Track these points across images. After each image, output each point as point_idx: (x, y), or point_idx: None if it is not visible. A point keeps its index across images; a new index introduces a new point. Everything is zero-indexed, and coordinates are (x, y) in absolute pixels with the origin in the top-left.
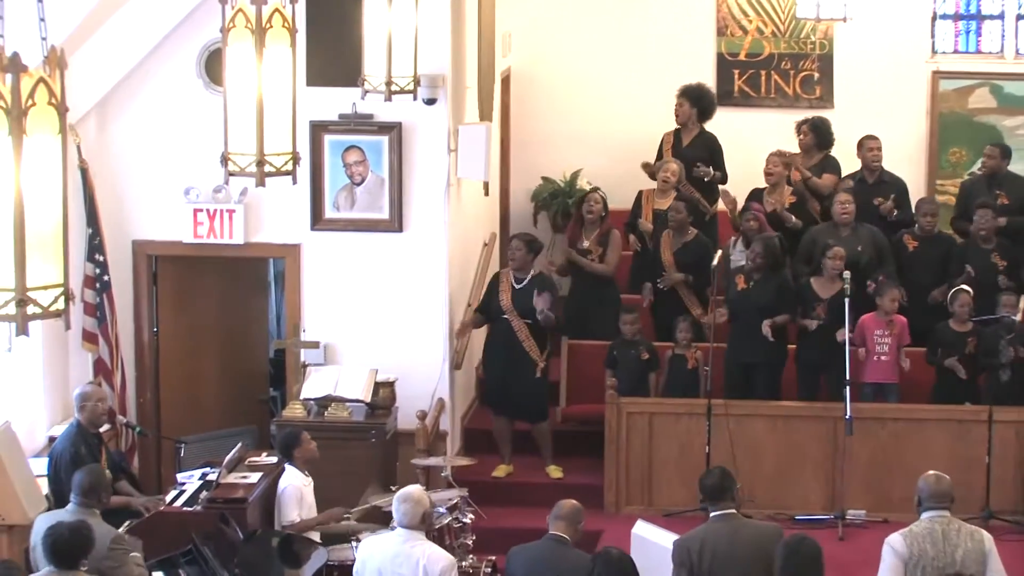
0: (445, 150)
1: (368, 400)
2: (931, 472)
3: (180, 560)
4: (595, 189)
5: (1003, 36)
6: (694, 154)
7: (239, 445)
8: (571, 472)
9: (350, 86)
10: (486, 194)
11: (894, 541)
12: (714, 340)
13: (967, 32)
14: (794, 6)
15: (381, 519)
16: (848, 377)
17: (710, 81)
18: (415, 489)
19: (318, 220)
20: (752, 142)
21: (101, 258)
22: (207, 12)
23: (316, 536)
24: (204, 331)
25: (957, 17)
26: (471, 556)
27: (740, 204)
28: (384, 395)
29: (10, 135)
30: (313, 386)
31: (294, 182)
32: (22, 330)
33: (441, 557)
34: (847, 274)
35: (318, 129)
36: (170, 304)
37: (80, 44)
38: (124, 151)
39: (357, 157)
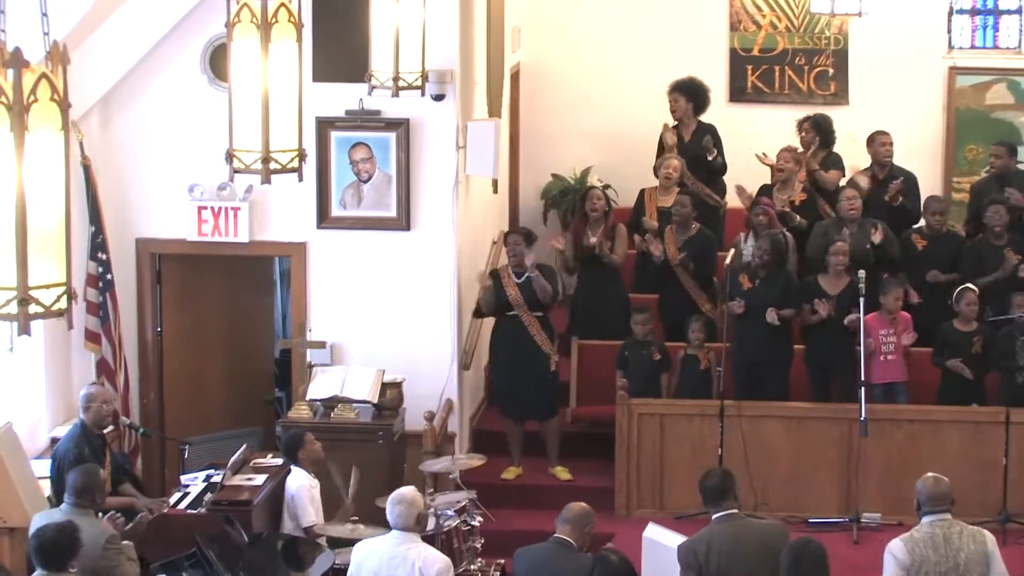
0: (453, 147)
1: (375, 401)
2: (929, 474)
3: (184, 563)
4: (594, 186)
5: (1021, 31)
6: (698, 149)
7: (244, 447)
8: (581, 474)
9: (357, 82)
10: (495, 192)
11: (895, 548)
12: (726, 340)
13: (984, 27)
14: (808, 1)
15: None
16: (863, 378)
17: (723, 77)
18: (408, 490)
19: (324, 218)
20: (765, 138)
21: (104, 256)
22: (212, 7)
23: (322, 538)
24: (208, 331)
25: (974, 12)
26: (480, 559)
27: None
28: (391, 396)
29: (12, 131)
30: (319, 387)
31: (300, 179)
32: (24, 329)
33: (437, 559)
34: (862, 272)
35: (324, 126)
36: (174, 303)
37: (83, 39)
38: (127, 148)
39: (364, 154)
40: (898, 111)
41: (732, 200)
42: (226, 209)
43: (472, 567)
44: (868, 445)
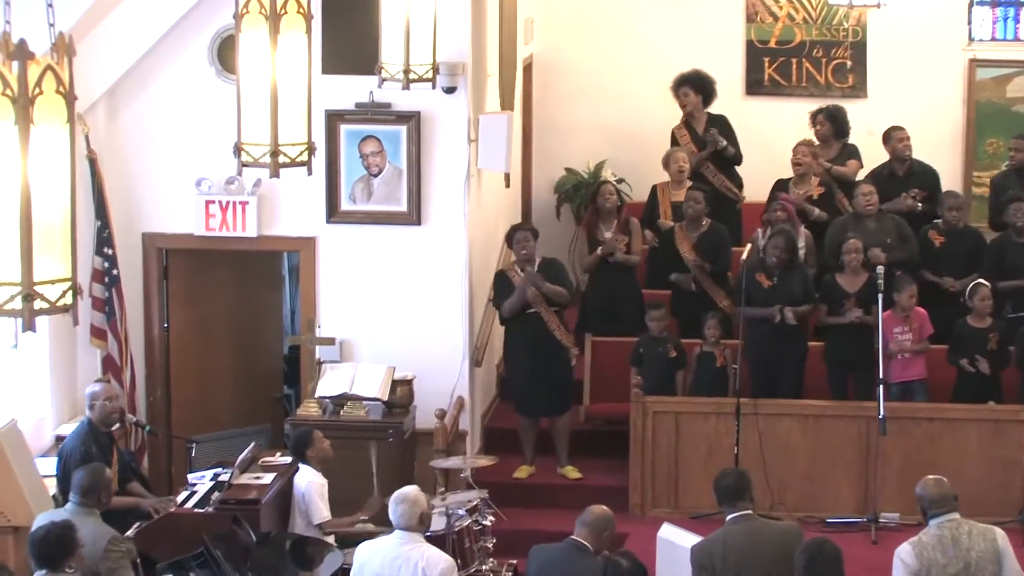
0: (465, 140)
1: (385, 398)
2: (929, 477)
3: (191, 563)
4: (606, 181)
5: None
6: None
7: (252, 445)
8: (595, 473)
9: (367, 74)
10: (507, 186)
11: (903, 552)
12: (741, 337)
13: (1005, 19)
14: None
15: None
16: (881, 376)
17: (739, 69)
18: (411, 490)
19: (334, 212)
20: (782, 132)
21: (110, 251)
22: None
23: (331, 538)
24: (216, 327)
25: (995, 3)
26: (491, 559)
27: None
28: (402, 393)
29: (16, 124)
30: (328, 384)
31: (309, 173)
32: (29, 326)
33: (440, 559)
34: (880, 268)
35: (334, 118)
36: (181, 299)
37: (89, 30)
38: (134, 141)
39: (374, 147)
40: (917, 104)
41: (750, 194)
42: (234, 203)
43: (484, 567)
44: (886, 444)
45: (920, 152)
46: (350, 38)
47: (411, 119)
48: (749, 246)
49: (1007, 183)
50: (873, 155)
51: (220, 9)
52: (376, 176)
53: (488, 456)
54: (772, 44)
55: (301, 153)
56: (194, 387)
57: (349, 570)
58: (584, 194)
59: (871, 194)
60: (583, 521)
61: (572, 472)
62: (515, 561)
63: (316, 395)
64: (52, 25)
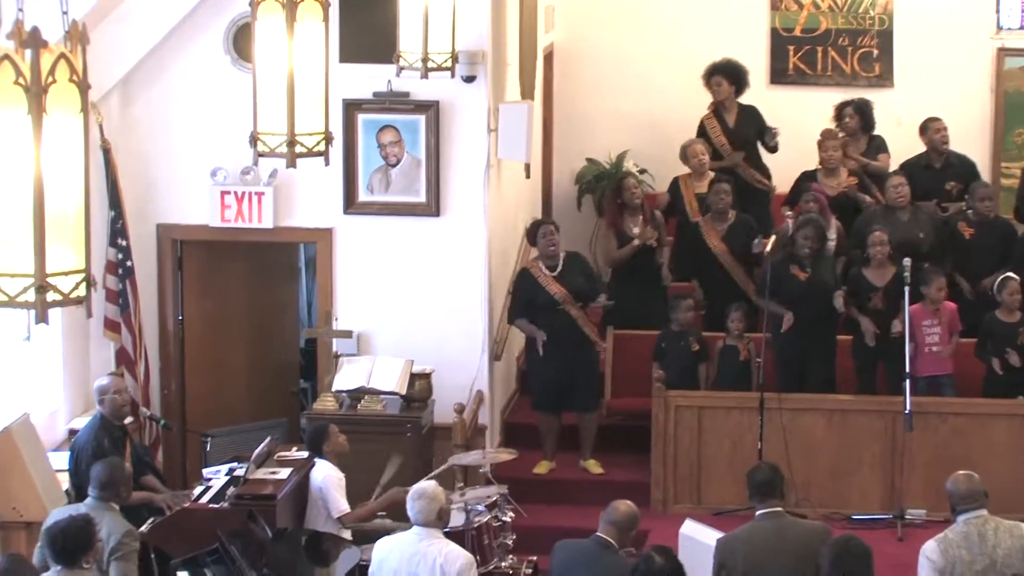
0: (485, 130)
1: (403, 392)
2: (959, 473)
3: (206, 559)
4: (629, 173)
5: None
6: (744, 131)
7: (268, 439)
8: (616, 469)
9: (385, 63)
10: (527, 176)
11: (928, 549)
12: (765, 330)
13: None
14: None
15: None
16: (907, 370)
17: (763, 58)
18: (430, 485)
19: (351, 203)
20: (807, 122)
21: (124, 243)
22: None
23: (348, 534)
24: (231, 319)
25: None
26: (511, 556)
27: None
28: (420, 387)
29: (29, 114)
30: (345, 378)
31: (326, 163)
32: (42, 318)
33: (459, 556)
34: (907, 260)
35: (351, 108)
36: (196, 291)
37: (103, 18)
38: (148, 130)
39: (392, 137)
40: (944, 94)
41: (780, 184)
42: (250, 194)
43: (503, 564)
44: (913, 439)
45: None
46: (368, 26)
47: (430, 108)
48: (773, 238)
49: None
50: (901, 146)
51: None
52: (394, 166)
53: (508, 451)
54: (797, 32)
55: (318, 143)
56: (209, 380)
57: (366, 567)
58: (606, 185)
59: (901, 185)
60: (609, 519)
61: (594, 466)
62: (535, 558)
63: (333, 389)
64: (65, 13)
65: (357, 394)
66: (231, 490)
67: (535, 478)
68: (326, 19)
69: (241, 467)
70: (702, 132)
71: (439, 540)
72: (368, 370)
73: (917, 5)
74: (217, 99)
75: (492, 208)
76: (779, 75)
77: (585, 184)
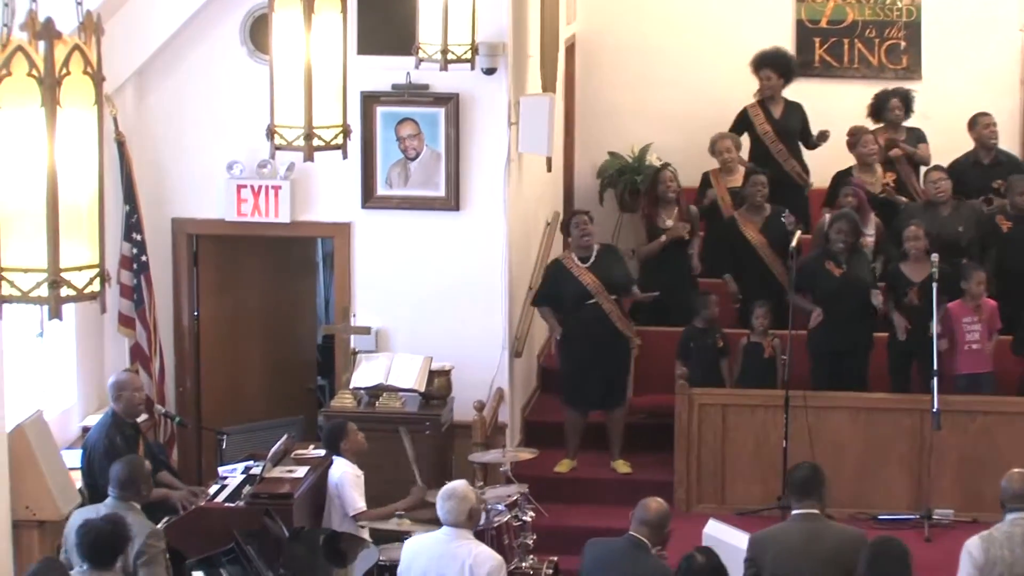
0: (505, 123)
1: (422, 390)
2: (1016, 470)
3: (222, 559)
4: (665, 165)
5: None
6: (789, 126)
7: (285, 437)
8: (638, 468)
9: (404, 55)
10: (549, 170)
11: (972, 545)
12: (793, 327)
13: None
14: None
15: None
16: (936, 367)
17: (789, 50)
18: (460, 484)
19: (369, 197)
20: (834, 115)
21: (139, 237)
22: None
23: (366, 534)
24: (248, 315)
25: None
26: (531, 556)
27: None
28: (439, 384)
29: (43, 106)
30: (364, 375)
31: (344, 157)
32: (55, 313)
33: (488, 557)
34: (935, 256)
35: (370, 100)
36: (212, 286)
37: (117, 9)
38: (163, 123)
39: (411, 130)
40: (973, 86)
41: (817, 179)
42: (267, 188)
43: (523, 564)
44: (941, 438)
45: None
46: (386, 17)
47: (449, 101)
48: (797, 233)
49: None
50: (938, 142)
51: None
52: (413, 160)
53: (528, 449)
54: (823, 24)
55: (336, 136)
56: (225, 377)
57: (384, 566)
58: (628, 179)
59: (940, 180)
60: (642, 518)
61: (623, 466)
62: (556, 558)
63: (351, 386)
64: (79, 3)
65: (375, 391)
66: (247, 489)
67: (556, 477)
68: (344, 10)
69: (257, 465)
70: (745, 119)
71: (469, 541)
72: (386, 367)
73: None
74: (233, 91)
75: (513, 202)
76: (805, 67)
77: (607, 178)
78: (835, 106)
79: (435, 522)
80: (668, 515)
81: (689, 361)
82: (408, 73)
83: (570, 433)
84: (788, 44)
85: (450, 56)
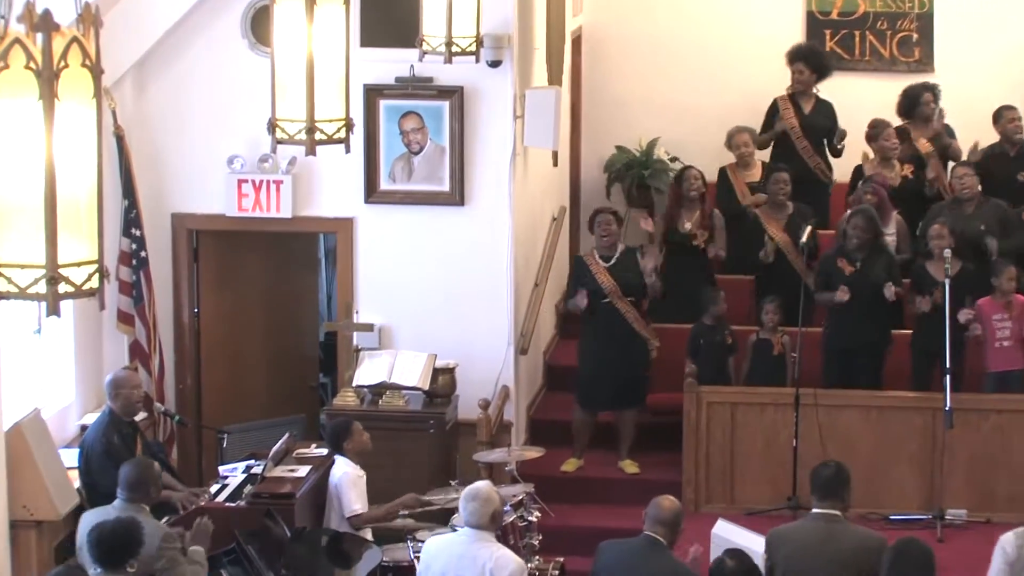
0: (511, 116)
1: (426, 388)
2: None
3: (223, 559)
4: (691, 166)
5: None
6: (819, 122)
7: (286, 436)
8: (646, 467)
9: (408, 47)
10: (555, 164)
11: (1005, 540)
12: (804, 324)
13: None
14: None
15: (440, 517)
16: (948, 365)
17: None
18: (484, 486)
19: (372, 192)
20: (845, 108)
21: (138, 233)
22: None
23: (369, 534)
24: (249, 312)
25: None
26: (537, 557)
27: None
28: (443, 382)
29: (40, 99)
30: (367, 372)
31: (347, 151)
32: (53, 310)
33: (510, 561)
34: (947, 252)
35: (373, 94)
36: (212, 283)
37: (116, 0)
38: (163, 117)
39: (415, 124)
40: (986, 79)
41: (839, 175)
42: (268, 182)
43: (529, 565)
44: (953, 437)
45: (989, 128)
46: (390, 9)
47: (454, 94)
48: (808, 228)
49: None
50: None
51: None
52: (417, 154)
53: (534, 448)
54: (834, 15)
55: (338, 130)
56: (225, 375)
57: (388, 567)
58: (636, 173)
59: (965, 176)
60: (657, 518)
61: (630, 466)
62: (562, 559)
63: (353, 384)
64: None
65: (378, 389)
66: (248, 488)
67: (562, 476)
68: (347, 1)
69: (258, 464)
70: (774, 110)
71: (490, 543)
72: (390, 364)
73: None
74: (234, 85)
75: (518, 197)
76: (839, 64)
77: (614, 172)
78: (846, 99)
79: (437, 519)
80: (682, 513)
81: (698, 358)
82: (412, 66)
83: (578, 432)
84: (798, 36)
85: (454, 48)
